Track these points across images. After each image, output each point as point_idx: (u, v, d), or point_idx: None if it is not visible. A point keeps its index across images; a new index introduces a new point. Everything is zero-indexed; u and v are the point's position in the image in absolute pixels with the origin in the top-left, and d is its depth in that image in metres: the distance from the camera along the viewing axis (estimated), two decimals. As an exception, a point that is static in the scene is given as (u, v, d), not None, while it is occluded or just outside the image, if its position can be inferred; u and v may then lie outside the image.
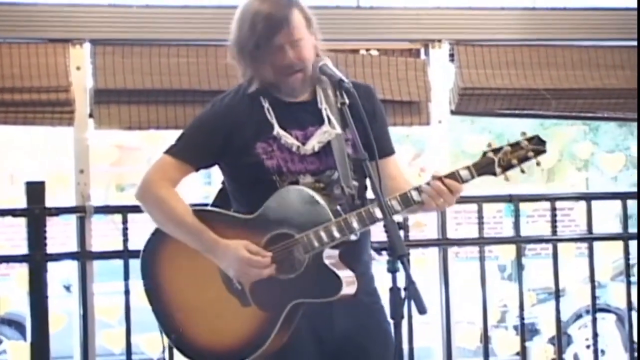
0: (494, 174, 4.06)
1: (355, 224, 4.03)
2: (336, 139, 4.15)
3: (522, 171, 4.08)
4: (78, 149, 5.45)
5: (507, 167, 4.07)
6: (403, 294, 3.72)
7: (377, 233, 4.12)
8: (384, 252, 4.05)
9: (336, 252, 4.12)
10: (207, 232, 4.13)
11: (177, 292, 4.30)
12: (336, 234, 4.04)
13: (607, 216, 6.22)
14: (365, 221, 4.00)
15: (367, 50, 5.68)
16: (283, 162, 4.18)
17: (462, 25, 5.85)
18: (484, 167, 4.07)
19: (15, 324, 5.75)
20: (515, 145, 4.09)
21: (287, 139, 4.16)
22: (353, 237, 4.11)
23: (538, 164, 4.10)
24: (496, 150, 4.09)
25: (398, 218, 4.52)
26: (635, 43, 5.95)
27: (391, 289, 3.75)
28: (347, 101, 4.06)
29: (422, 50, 5.81)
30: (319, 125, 4.19)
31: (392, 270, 3.78)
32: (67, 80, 5.39)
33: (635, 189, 7.02)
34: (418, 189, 4.03)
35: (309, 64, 4.11)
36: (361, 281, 4.16)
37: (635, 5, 5.97)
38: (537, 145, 4.09)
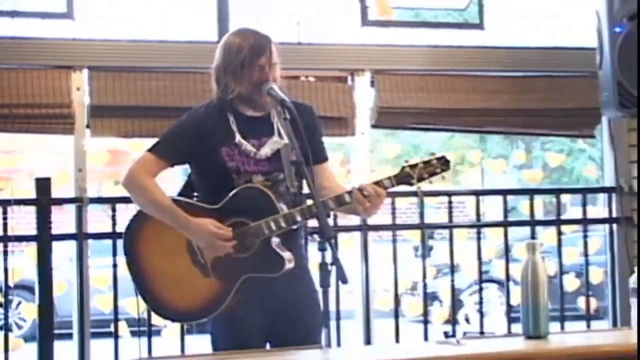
0: (411, 184, 4.16)
1: (298, 217, 4.11)
2: (284, 147, 4.21)
3: (430, 182, 4.17)
4: (77, 152, 5.43)
5: (420, 179, 4.19)
6: (329, 267, 3.76)
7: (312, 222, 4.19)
8: (315, 235, 4.12)
9: (278, 238, 4.16)
10: (181, 212, 4.17)
11: (151, 264, 4.35)
12: (282, 224, 4.11)
13: (494, 208, 6.22)
14: (306, 215, 4.09)
15: (306, 77, 5.68)
16: (241, 164, 4.24)
17: (381, 58, 5.84)
18: (402, 178, 4.20)
19: (27, 288, 5.67)
20: (427, 163, 4.22)
21: (246, 146, 4.25)
22: (294, 227, 4.16)
23: (443, 177, 4.28)
24: (412, 166, 4.21)
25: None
26: (512, 74, 6.02)
27: (320, 264, 3.80)
28: (288, 116, 4.07)
29: (349, 77, 5.80)
30: (270, 135, 4.24)
31: (322, 249, 3.84)
32: (69, 98, 5.36)
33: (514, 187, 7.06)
34: (350, 192, 4.10)
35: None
36: (296, 259, 4.22)
37: (508, 44, 6.04)
38: (443, 164, 4.26)
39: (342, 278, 3.81)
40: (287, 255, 4.18)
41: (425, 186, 4.31)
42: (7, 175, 6.14)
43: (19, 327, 8.12)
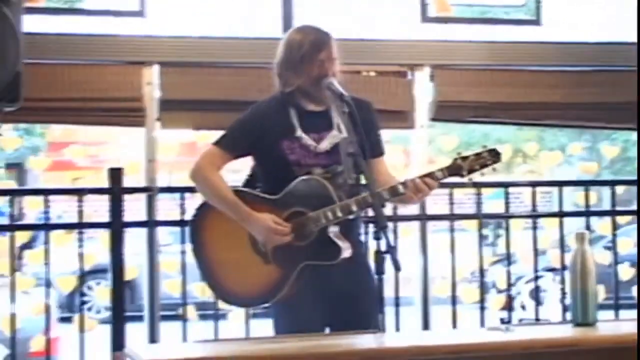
0: (461, 175, 4.18)
1: (354, 207, 4.14)
2: (342, 141, 4.24)
3: (482, 174, 4.18)
4: (148, 144, 5.48)
5: (470, 171, 4.20)
6: (384, 255, 3.81)
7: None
8: (371, 225, 4.16)
9: (337, 227, 4.19)
10: (244, 205, 4.25)
11: (215, 252, 4.42)
12: (339, 214, 4.15)
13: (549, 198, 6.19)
14: (361, 205, 4.12)
15: (368, 72, 5.70)
16: (301, 157, 4.29)
17: (439, 54, 5.83)
18: (454, 170, 4.22)
19: (100, 272, 5.74)
20: (478, 155, 4.23)
21: (306, 140, 4.29)
22: (351, 217, 4.19)
23: (494, 169, 4.27)
24: (464, 158, 4.23)
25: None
26: (568, 68, 5.99)
27: (375, 252, 3.85)
28: (347, 110, 4.10)
29: (409, 72, 5.79)
30: (329, 130, 4.28)
31: (377, 237, 3.86)
32: (140, 92, 5.41)
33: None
34: (404, 183, 4.13)
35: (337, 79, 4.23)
36: (354, 248, 4.26)
37: (564, 40, 6.00)
38: (494, 156, 4.26)
39: (395, 265, 3.86)
40: (344, 244, 4.23)
41: (479, 177, 4.34)
42: (86, 165, 6.22)
43: (98, 311, 8.25)
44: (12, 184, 7.82)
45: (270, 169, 4.36)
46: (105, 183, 5.25)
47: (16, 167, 14.67)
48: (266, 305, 4.34)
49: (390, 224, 4.82)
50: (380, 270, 3.87)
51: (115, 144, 11.06)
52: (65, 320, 5.34)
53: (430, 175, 4.21)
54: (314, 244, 4.20)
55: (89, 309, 5.19)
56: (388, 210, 5.05)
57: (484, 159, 4.24)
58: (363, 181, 4.18)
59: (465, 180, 4.27)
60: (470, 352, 3.68)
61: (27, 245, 5.72)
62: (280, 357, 3.57)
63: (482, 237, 5.88)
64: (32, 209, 6.07)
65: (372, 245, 4.12)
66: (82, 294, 5.53)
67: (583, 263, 3.96)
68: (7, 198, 5.30)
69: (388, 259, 3.86)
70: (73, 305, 10.26)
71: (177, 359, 3.60)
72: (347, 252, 4.23)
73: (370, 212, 4.36)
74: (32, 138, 14.48)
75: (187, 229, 4.55)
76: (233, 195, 4.30)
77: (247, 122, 4.43)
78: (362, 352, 3.68)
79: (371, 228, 4.33)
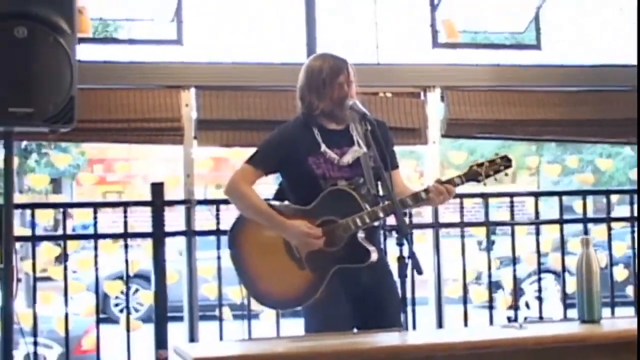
0: (478, 181, 4.20)
1: (380, 214, 4.16)
2: (363, 155, 4.25)
3: (495, 179, 4.20)
4: (186, 160, 5.50)
5: (486, 176, 4.20)
6: (406, 260, 3.84)
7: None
8: (393, 232, 4.16)
9: (363, 233, 4.21)
10: (277, 215, 4.24)
11: (253, 258, 4.42)
12: (367, 220, 4.16)
13: (550, 207, 6.20)
14: (387, 212, 4.15)
15: (384, 93, 5.71)
16: (327, 170, 4.31)
17: (449, 76, 5.86)
18: (471, 176, 4.23)
19: (144, 278, 5.76)
20: (492, 162, 4.26)
21: (330, 154, 4.30)
22: (376, 223, 4.21)
23: (506, 174, 4.30)
24: (479, 165, 4.26)
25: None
26: (570, 89, 5.99)
27: (398, 258, 3.89)
28: (369, 128, 4.13)
29: (422, 93, 5.81)
30: (351, 145, 4.30)
31: (399, 244, 3.90)
32: (179, 113, 5.44)
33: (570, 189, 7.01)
34: (426, 190, 4.15)
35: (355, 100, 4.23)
36: (378, 252, 4.27)
37: (562, 63, 6.01)
38: (506, 162, 4.29)
39: (418, 269, 3.88)
40: (372, 248, 4.26)
41: (489, 187, 4.38)
42: (125, 180, 6.25)
43: (137, 310, 8.28)
44: (65, 198, 7.85)
45: (299, 182, 4.37)
46: (137, 197, 5.25)
47: (55, 182, 14.68)
48: (299, 307, 4.37)
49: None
50: (403, 274, 3.90)
51: (144, 162, 11.13)
52: (103, 321, 5.34)
53: (450, 181, 4.25)
54: (345, 248, 4.22)
55: (121, 311, 5.21)
56: (406, 218, 5.07)
57: (497, 164, 4.28)
58: (381, 192, 4.24)
59: (481, 184, 4.30)
60: (488, 348, 3.70)
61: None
62: (313, 355, 3.57)
63: (489, 242, 5.89)
64: (79, 220, 6.10)
65: (392, 251, 4.16)
66: (127, 297, 5.48)
67: (588, 265, 3.98)
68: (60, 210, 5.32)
69: (409, 263, 3.90)
70: (108, 307, 10.35)
71: (223, 356, 3.63)
72: (374, 255, 4.26)
73: (390, 221, 4.40)
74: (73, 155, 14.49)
75: (223, 237, 4.57)
76: (267, 206, 4.33)
77: (276, 141, 4.45)
78: (387, 349, 3.70)
79: (393, 235, 4.36)
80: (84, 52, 5.05)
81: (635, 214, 6.09)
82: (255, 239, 4.38)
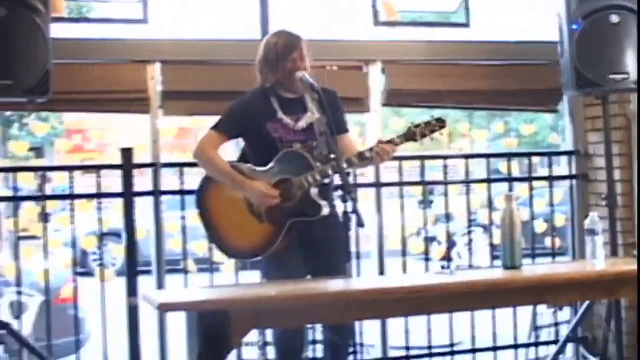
0: (415, 140, 4.29)
1: (329, 171, 4.24)
2: (315, 121, 4.33)
3: (431, 139, 4.31)
4: (152, 128, 5.47)
5: (422, 136, 4.31)
6: (350, 215, 3.94)
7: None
8: (339, 190, 4.26)
9: (316, 189, 4.29)
10: (239, 175, 4.32)
11: (218, 215, 4.49)
12: (318, 178, 4.25)
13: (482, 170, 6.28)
14: (335, 169, 4.21)
15: (331, 66, 5.71)
16: (283, 134, 4.40)
17: (389, 51, 5.87)
18: (409, 136, 4.32)
19: (113, 234, 5.76)
20: (427, 123, 4.36)
21: (286, 120, 4.39)
22: (327, 180, 4.31)
23: (441, 134, 4.38)
24: (416, 126, 4.34)
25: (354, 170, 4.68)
26: (496, 62, 6.08)
27: (343, 212, 4.00)
28: (316, 97, 4.20)
29: (364, 66, 5.82)
30: (305, 112, 4.38)
31: (344, 200, 4.00)
32: (145, 85, 5.41)
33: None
34: (370, 149, 4.25)
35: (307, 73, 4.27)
36: (329, 207, 4.36)
37: (489, 39, 6.10)
38: (440, 123, 4.38)
39: (360, 223, 3.98)
40: (323, 202, 4.35)
41: (426, 149, 4.47)
42: (101, 148, 6.24)
43: (113, 264, 8.23)
44: (44, 163, 7.82)
45: (258, 146, 4.45)
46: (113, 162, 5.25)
47: (36, 150, 14.58)
48: (260, 257, 4.45)
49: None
50: (347, 227, 4.00)
51: (117, 131, 11.07)
52: (82, 274, 5.37)
53: (390, 141, 4.35)
54: (299, 203, 4.32)
55: (100, 265, 5.27)
56: (350, 178, 5.13)
57: (433, 125, 4.39)
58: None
59: (418, 143, 4.39)
60: (422, 292, 3.82)
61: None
62: (272, 298, 3.66)
63: (425, 201, 5.96)
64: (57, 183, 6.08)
65: (339, 207, 4.25)
66: (101, 252, 5.51)
67: (511, 219, 4.11)
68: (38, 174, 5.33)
69: (353, 217, 3.99)
70: (86, 262, 10.31)
71: (183, 301, 3.72)
72: (325, 209, 4.35)
73: (338, 181, 4.47)
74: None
75: (192, 198, 4.60)
76: (230, 168, 4.40)
77: (237, 109, 4.53)
78: (336, 294, 3.83)
79: (338, 193, 4.45)
80: (59, 31, 4.99)
81: (553, 174, 6.23)
82: (220, 197, 4.45)
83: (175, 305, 3.65)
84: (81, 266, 8.92)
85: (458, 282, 3.89)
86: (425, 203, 5.93)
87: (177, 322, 3.75)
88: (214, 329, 3.45)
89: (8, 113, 10.87)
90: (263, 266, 4.49)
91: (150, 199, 5.45)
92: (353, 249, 5.17)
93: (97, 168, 5.35)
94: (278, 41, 4.47)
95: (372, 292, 3.84)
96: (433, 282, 3.96)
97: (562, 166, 6.41)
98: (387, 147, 4.34)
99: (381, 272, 5.75)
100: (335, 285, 3.96)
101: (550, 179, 6.22)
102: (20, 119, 12.89)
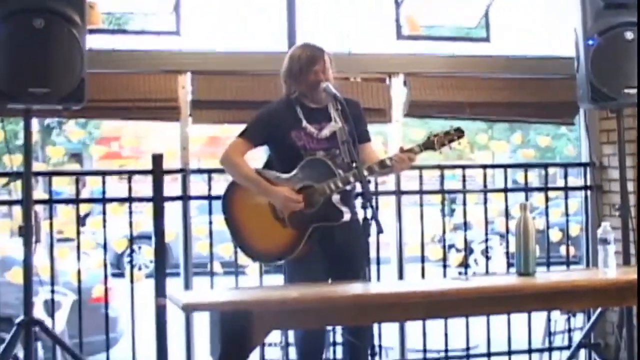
0: (434, 149, 4.28)
1: (351, 179, 4.24)
2: (338, 130, 4.33)
3: (450, 148, 4.31)
4: (182, 135, 5.50)
5: (441, 145, 4.31)
6: (370, 221, 3.96)
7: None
8: (360, 197, 4.27)
9: (338, 196, 4.30)
10: (265, 182, 4.33)
11: (243, 219, 4.52)
12: (340, 185, 4.26)
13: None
14: (357, 177, 4.21)
15: (355, 78, 5.73)
16: (307, 143, 4.41)
17: (411, 64, 5.88)
18: (428, 145, 4.31)
19: (146, 237, 5.79)
20: (447, 133, 4.37)
21: (310, 129, 4.41)
22: (348, 187, 4.31)
23: (459, 144, 4.40)
24: (435, 135, 4.33)
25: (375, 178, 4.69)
26: (514, 76, 6.06)
27: (363, 219, 3.99)
28: (339, 107, 4.21)
29: (387, 79, 5.83)
30: (328, 121, 4.40)
31: (364, 207, 4.00)
32: (176, 94, 5.44)
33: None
34: (391, 158, 4.26)
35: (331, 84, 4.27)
36: (350, 214, 4.37)
37: (508, 54, 6.08)
38: (459, 133, 4.36)
39: (379, 229, 3.98)
40: (344, 208, 4.36)
41: (445, 158, 4.47)
42: (137, 155, 6.28)
43: (147, 266, 8.27)
44: (78, 167, 7.88)
45: (283, 153, 4.47)
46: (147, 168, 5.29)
47: (76, 156, 14.67)
48: (283, 261, 4.45)
49: (373, 197, 4.90)
50: (367, 233, 4.00)
51: (152, 139, 11.11)
52: (116, 275, 5.41)
53: (410, 150, 4.36)
54: (322, 209, 4.33)
55: (133, 267, 5.28)
56: (371, 186, 5.14)
57: (451, 135, 4.39)
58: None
59: (437, 153, 4.39)
60: (438, 297, 3.83)
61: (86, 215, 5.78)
62: (293, 300, 3.68)
63: (444, 208, 5.95)
64: (91, 187, 6.12)
65: (360, 214, 4.25)
66: (131, 254, 5.56)
67: (525, 227, 4.10)
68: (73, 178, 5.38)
69: (373, 224, 4.00)
70: (121, 263, 10.34)
71: (206, 302, 3.73)
72: (347, 215, 4.36)
73: (358, 189, 4.48)
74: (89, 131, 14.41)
75: (219, 202, 4.59)
76: (255, 174, 4.43)
77: (263, 118, 4.55)
78: (355, 297, 3.83)
79: (359, 200, 4.45)
80: (95, 41, 5.05)
81: (568, 185, 6.21)
82: (245, 202, 4.46)
83: (198, 306, 3.67)
84: (116, 267, 9.06)
85: (472, 288, 3.88)
86: (445, 211, 5.92)
87: (204, 323, 3.76)
88: (236, 329, 3.47)
89: (47, 120, 10.96)
90: (286, 269, 4.49)
91: (179, 203, 5.46)
92: (374, 254, 5.17)
93: (128, 173, 5.40)
94: (302, 54, 4.49)
95: (389, 296, 3.84)
96: (448, 287, 3.95)
97: (577, 177, 6.35)
98: (407, 156, 4.35)
99: (400, 277, 5.75)
100: (354, 288, 3.96)
101: (566, 189, 6.21)
102: (59, 125, 13.00)
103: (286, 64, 4.54)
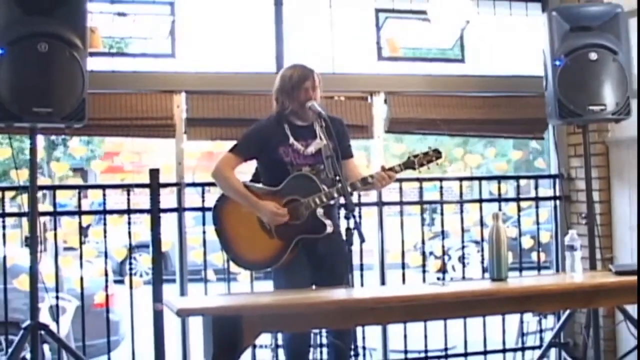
0: (414, 169, 4.30)
1: (334, 194, 4.24)
2: (323, 147, 4.34)
3: (428, 168, 4.32)
4: (177, 151, 5.51)
5: (420, 165, 4.31)
6: (352, 231, 3.97)
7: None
8: (342, 209, 4.27)
9: (322, 210, 4.30)
10: (252, 196, 4.33)
11: (233, 230, 4.48)
12: (324, 199, 4.26)
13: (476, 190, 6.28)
14: (340, 192, 4.22)
15: (339, 96, 5.76)
16: (294, 158, 4.40)
17: (391, 84, 5.90)
18: (408, 165, 4.31)
19: (144, 246, 5.80)
20: (425, 154, 4.36)
21: (297, 146, 4.40)
22: (332, 202, 4.31)
23: (438, 164, 4.41)
24: (415, 156, 4.34)
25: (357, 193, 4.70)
26: (488, 94, 6.09)
27: (346, 229, 4.00)
28: (324, 125, 4.22)
29: (369, 97, 5.85)
30: (314, 139, 4.40)
31: (347, 217, 4.01)
32: (172, 113, 5.46)
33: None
34: (372, 176, 4.26)
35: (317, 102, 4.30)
36: (333, 226, 4.37)
37: (482, 73, 6.12)
38: (437, 154, 4.36)
39: (361, 238, 4.00)
40: (328, 222, 4.36)
41: (424, 173, 4.49)
42: (136, 169, 6.28)
43: (147, 274, 8.24)
44: (80, 181, 7.88)
45: (271, 168, 4.47)
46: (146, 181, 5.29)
47: (80, 171, 14.59)
48: (270, 269, 4.46)
49: (356, 208, 4.91)
50: (349, 242, 4.01)
51: (152, 154, 11.08)
52: (118, 282, 5.41)
53: (391, 169, 4.37)
54: (306, 222, 4.33)
55: (134, 274, 5.28)
56: (354, 198, 5.14)
57: (430, 156, 4.40)
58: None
59: (416, 173, 4.41)
60: (416, 301, 3.84)
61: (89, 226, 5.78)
62: (280, 305, 3.71)
63: (423, 219, 5.98)
64: (92, 200, 6.13)
65: (343, 224, 4.26)
66: (130, 262, 5.57)
67: (497, 235, 4.11)
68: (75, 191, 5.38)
69: (355, 233, 4.01)
70: (122, 271, 10.32)
71: (198, 307, 3.73)
72: (330, 228, 4.36)
73: (342, 201, 4.49)
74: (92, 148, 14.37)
75: (210, 214, 4.60)
76: (244, 188, 4.42)
77: (253, 134, 4.55)
78: (337, 302, 3.84)
79: (343, 211, 4.46)
80: (96, 64, 5.09)
81: (539, 195, 6.24)
82: (235, 214, 4.45)
83: (192, 311, 3.68)
84: (118, 275, 9.04)
85: (449, 292, 3.90)
86: (422, 219, 5.93)
87: (199, 327, 3.76)
88: (227, 332, 3.47)
89: (53, 137, 10.95)
90: (274, 277, 4.50)
91: (175, 215, 5.46)
92: (357, 262, 5.16)
93: (127, 187, 5.39)
94: (293, 73, 4.50)
95: (370, 301, 3.85)
96: (427, 292, 3.96)
97: (547, 188, 6.38)
98: (387, 174, 4.36)
99: (382, 283, 5.76)
100: (337, 294, 3.97)
101: (537, 199, 6.23)
102: (64, 142, 12.99)
103: (278, 83, 4.54)
